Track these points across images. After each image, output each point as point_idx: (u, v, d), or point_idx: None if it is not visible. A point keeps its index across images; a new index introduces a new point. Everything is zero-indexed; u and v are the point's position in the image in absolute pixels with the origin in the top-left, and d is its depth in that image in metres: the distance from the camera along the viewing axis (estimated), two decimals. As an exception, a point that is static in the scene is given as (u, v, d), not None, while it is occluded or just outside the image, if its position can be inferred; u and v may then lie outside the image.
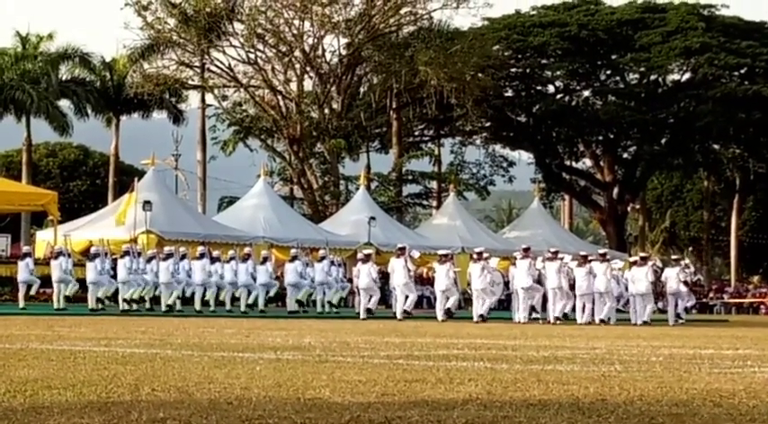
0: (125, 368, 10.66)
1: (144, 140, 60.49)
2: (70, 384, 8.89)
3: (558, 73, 67.54)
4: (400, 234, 48.28)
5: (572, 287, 33.15)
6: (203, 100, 61.29)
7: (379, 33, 59.66)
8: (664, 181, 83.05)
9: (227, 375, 9.93)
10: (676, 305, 35.09)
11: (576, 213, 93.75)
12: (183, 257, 34.56)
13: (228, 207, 54.23)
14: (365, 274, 33.96)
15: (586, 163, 73.24)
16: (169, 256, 34.15)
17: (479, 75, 61.37)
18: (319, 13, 57.47)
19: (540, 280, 33.03)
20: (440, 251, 34.96)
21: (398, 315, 32.33)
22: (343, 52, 60.11)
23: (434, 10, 59.38)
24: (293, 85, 59.48)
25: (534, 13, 68.25)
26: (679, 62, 65.14)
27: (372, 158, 65.46)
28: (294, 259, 36.38)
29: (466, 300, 39.97)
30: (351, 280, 38.02)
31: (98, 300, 32.96)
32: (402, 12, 59.72)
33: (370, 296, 33.83)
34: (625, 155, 70.96)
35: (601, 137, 69.31)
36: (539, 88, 69.27)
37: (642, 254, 39.35)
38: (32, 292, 33.83)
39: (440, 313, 32.30)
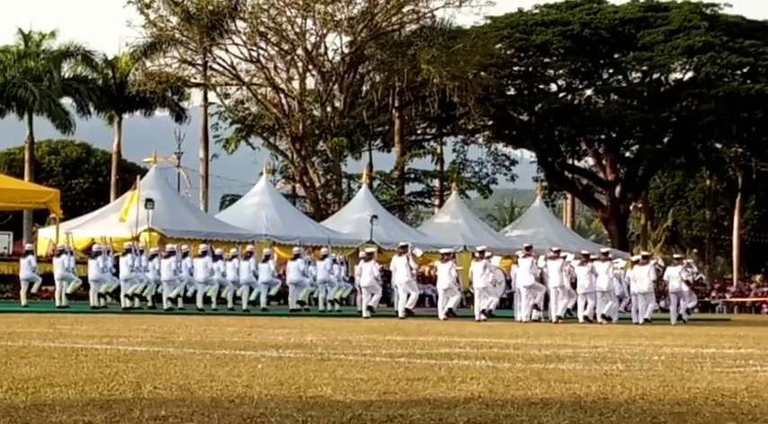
0: (127, 366, 10.66)
1: (146, 138, 60.51)
2: (72, 381, 8.89)
3: (561, 71, 67.53)
4: (402, 233, 48.27)
5: (574, 285, 33.16)
6: (205, 98, 61.33)
7: (381, 32, 59.66)
8: (666, 180, 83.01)
9: (228, 373, 9.93)
10: (678, 305, 35.10)
11: (579, 212, 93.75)
12: (185, 255, 34.56)
13: (231, 205, 54.24)
14: (367, 272, 33.97)
15: (589, 161, 73.26)
16: (171, 254, 34.15)
17: (482, 73, 61.36)
18: (322, 12, 57.47)
19: (542, 279, 33.03)
20: (442, 250, 34.97)
21: (400, 314, 32.34)
22: (346, 50, 60.12)
23: (437, 8, 59.48)
24: (295, 83, 59.48)
25: (537, 11, 68.23)
26: (681, 61, 65.10)
27: (375, 156, 65.49)
28: (297, 257, 36.39)
29: (468, 299, 39.97)
30: (353, 279, 38.03)
31: (100, 295, 32.96)
32: (404, 10, 59.72)
33: (372, 295, 33.83)
34: (627, 154, 70.94)
35: (603, 136, 69.29)
36: (541, 87, 69.25)
37: (644, 253, 39.36)
38: (33, 290, 33.86)
39: (441, 312, 32.32)
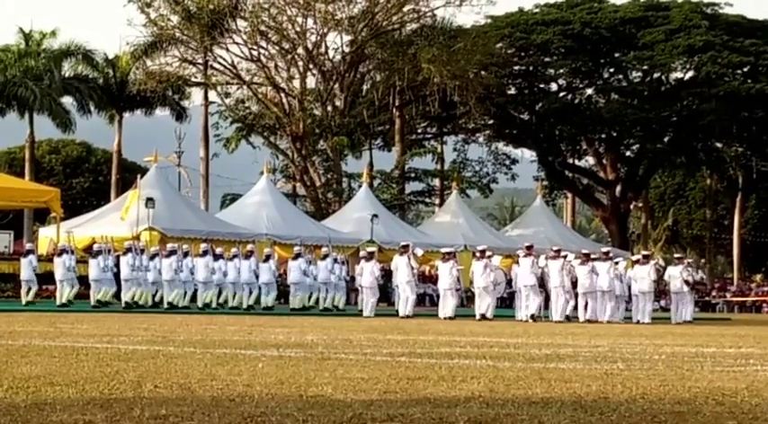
0: (127, 365, 10.66)
1: (147, 137, 60.51)
2: (73, 380, 8.89)
3: (561, 71, 67.51)
4: (403, 232, 48.27)
5: (574, 285, 33.16)
6: (206, 97, 61.31)
7: (382, 31, 59.66)
8: (666, 180, 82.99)
9: (229, 373, 9.94)
10: (681, 307, 35.04)
11: (579, 211, 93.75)
12: (186, 254, 34.55)
13: (231, 205, 54.23)
14: (368, 272, 33.99)
15: (589, 161, 73.24)
16: (172, 253, 34.15)
17: (482, 72, 61.36)
18: (322, 11, 57.47)
19: (542, 279, 33.03)
20: (443, 249, 34.98)
21: (401, 313, 32.37)
22: (346, 49, 60.12)
23: (437, 7, 59.47)
24: (296, 83, 59.49)
25: (537, 10, 68.20)
26: (682, 60, 65.08)
27: (375, 156, 65.50)
28: (298, 256, 36.39)
29: (468, 298, 39.98)
30: (353, 278, 38.04)
31: (98, 302, 32.91)
32: (405, 9, 59.72)
33: (372, 296, 33.89)
34: (628, 153, 70.92)
35: (604, 135, 69.26)
36: (542, 86, 69.23)
37: (644, 252, 39.42)
38: (30, 297, 33.37)
39: (442, 311, 32.35)
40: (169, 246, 35.21)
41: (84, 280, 34.29)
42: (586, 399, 8.30)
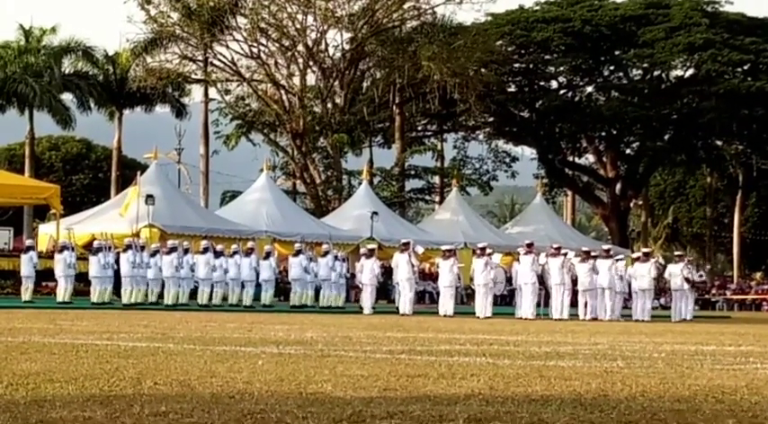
0: (127, 362, 10.66)
1: (147, 134, 60.54)
2: (72, 377, 8.89)
3: (562, 68, 67.48)
4: (403, 229, 48.25)
5: (574, 282, 33.18)
6: (206, 94, 61.30)
7: (382, 28, 59.64)
8: (666, 177, 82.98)
9: (229, 370, 9.94)
10: (681, 305, 35.03)
11: (579, 209, 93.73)
12: (187, 251, 34.54)
13: (231, 202, 54.22)
14: (368, 269, 34.02)
15: (589, 158, 73.21)
16: (173, 250, 34.14)
17: (482, 70, 61.34)
18: (322, 8, 57.46)
19: (543, 276, 33.05)
20: (443, 247, 34.99)
21: (401, 310, 32.39)
22: (347, 47, 60.11)
23: (438, 5, 59.47)
24: (296, 80, 59.47)
25: (537, 8, 68.17)
26: (682, 58, 65.05)
27: (375, 153, 65.49)
28: (298, 253, 36.39)
29: (468, 295, 39.99)
30: (353, 276, 38.04)
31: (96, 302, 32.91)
32: (405, 6, 59.71)
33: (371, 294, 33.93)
34: (628, 151, 70.90)
35: (604, 133, 69.25)
36: (542, 84, 69.21)
37: (644, 250, 39.41)
38: (27, 297, 33.22)
39: (442, 309, 32.37)
40: (170, 243, 35.20)
41: (83, 277, 34.28)
42: (586, 397, 8.30)
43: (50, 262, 34.67)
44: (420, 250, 35.08)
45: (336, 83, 60.04)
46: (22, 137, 58.88)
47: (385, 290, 41.30)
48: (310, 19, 58.45)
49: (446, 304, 32.42)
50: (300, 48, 58.94)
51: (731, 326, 29.39)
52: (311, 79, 60.26)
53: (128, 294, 33.03)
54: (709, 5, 66.34)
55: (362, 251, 36.21)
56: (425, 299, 45.20)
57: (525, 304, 32.38)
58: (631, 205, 75.54)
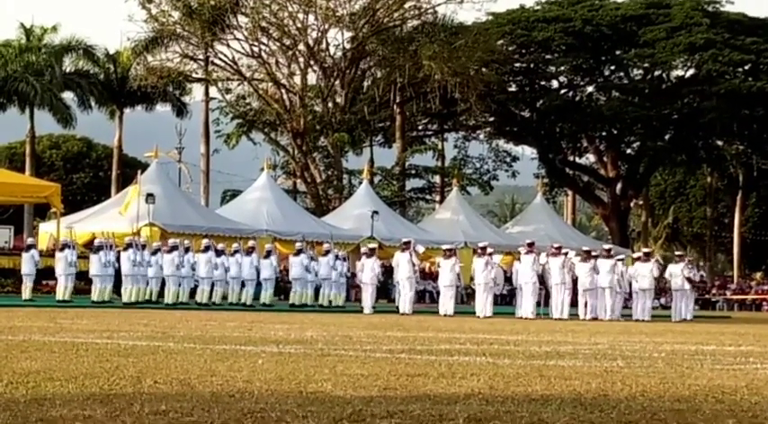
0: (127, 361, 10.67)
1: (147, 133, 60.48)
2: (72, 376, 8.89)
3: (562, 68, 67.47)
4: (403, 229, 48.24)
5: (574, 282, 33.18)
6: (207, 93, 61.29)
7: (383, 27, 59.63)
8: (667, 177, 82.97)
9: (229, 368, 9.94)
10: (681, 305, 35.02)
11: (579, 208, 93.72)
12: (187, 250, 34.54)
13: (231, 201, 54.21)
14: (369, 268, 34.02)
15: (590, 158, 73.20)
16: (174, 249, 34.14)
17: (483, 69, 61.33)
18: (323, 7, 57.45)
19: (543, 276, 33.05)
20: (444, 246, 34.98)
21: (401, 309, 32.40)
22: (347, 46, 60.09)
23: (439, 4, 59.44)
24: (297, 79, 59.47)
25: (538, 8, 68.18)
26: (683, 58, 65.05)
27: (376, 152, 65.47)
28: (299, 252, 36.39)
29: (469, 295, 39.99)
30: (354, 275, 38.04)
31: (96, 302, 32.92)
32: (406, 6, 59.69)
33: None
34: (628, 151, 70.89)
35: (604, 133, 69.24)
36: (542, 83, 69.20)
37: (645, 250, 39.41)
38: (26, 295, 33.25)
39: (443, 308, 32.38)
40: (171, 242, 35.20)
41: (84, 276, 34.28)
42: (586, 396, 8.30)
43: (51, 261, 34.66)
44: (421, 249, 35.07)
45: (337, 82, 60.04)
46: (23, 136, 58.89)
47: (385, 289, 41.29)
48: (311, 18, 58.50)
49: (446, 303, 32.43)
50: (301, 47, 58.94)
51: (731, 326, 29.39)
52: (312, 78, 60.34)
53: (128, 292, 33.03)
54: (709, 5, 66.34)
55: (363, 250, 36.21)
56: (425, 298, 45.21)
57: (525, 304, 32.39)
58: (632, 205, 75.53)
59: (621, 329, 24.57)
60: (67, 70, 57.51)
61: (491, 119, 68.25)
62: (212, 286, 34.70)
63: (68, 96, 57.96)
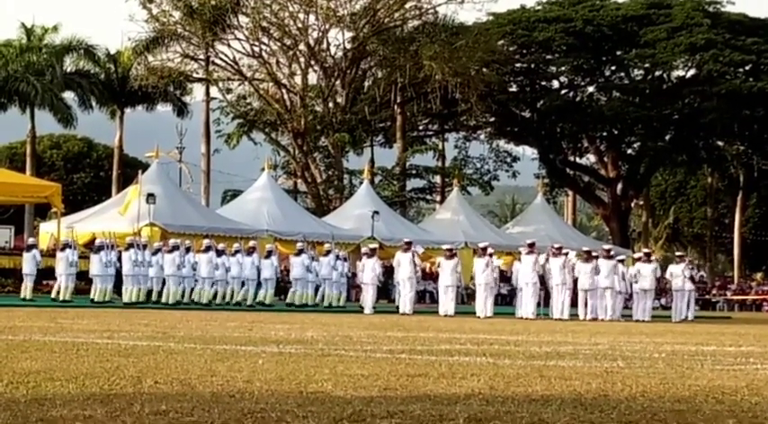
0: (128, 361, 10.67)
1: (148, 133, 60.45)
2: (73, 375, 8.89)
3: (563, 68, 67.47)
4: (404, 229, 48.24)
5: (575, 282, 33.17)
6: (207, 93, 61.27)
7: (383, 27, 59.63)
8: (668, 178, 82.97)
9: (229, 369, 9.94)
10: (683, 305, 35.01)
11: (580, 209, 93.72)
12: (188, 250, 34.54)
13: (232, 201, 54.21)
14: (370, 268, 34.02)
15: (590, 158, 73.19)
16: (175, 248, 34.14)
17: (484, 69, 61.33)
18: (324, 7, 57.45)
19: (543, 276, 33.05)
20: (444, 246, 34.97)
21: (402, 309, 32.40)
22: (348, 46, 60.08)
23: (439, 4, 59.44)
24: (297, 79, 59.47)
25: (539, 8, 68.17)
26: (684, 58, 65.05)
27: (376, 152, 65.47)
28: (300, 252, 36.38)
29: (469, 295, 39.99)
30: (354, 275, 38.04)
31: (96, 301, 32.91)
32: (407, 6, 59.70)
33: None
34: (629, 151, 70.88)
35: (605, 133, 69.24)
36: (543, 83, 69.20)
37: (646, 250, 39.41)
38: (27, 295, 33.17)
39: (443, 308, 32.38)
40: (171, 241, 35.21)
41: (84, 276, 34.27)
42: (586, 397, 8.31)
43: (51, 261, 34.66)
44: (420, 249, 35.07)
45: (338, 82, 60.04)
46: (24, 136, 58.89)
47: (386, 290, 41.29)
48: (312, 18, 58.50)
49: (447, 303, 32.43)
50: (302, 47, 58.94)
51: (731, 326, 29.39)
52: (312, 78, 60.33)
53: (129, 292, 33.04)
54: (710, 6, 66.35)
55: (363, 250, 36.21)
56: (426, 299, 45.20)
57: (526, 304, 32.39)
58: (632, 205, 75.52)
59: (622, 329, 24.57)
60: (68, 70, 57.50)
61: (492, 119, 68.25)
62: (213, 286, 34.69)
63: (69, 96, 57.99)
